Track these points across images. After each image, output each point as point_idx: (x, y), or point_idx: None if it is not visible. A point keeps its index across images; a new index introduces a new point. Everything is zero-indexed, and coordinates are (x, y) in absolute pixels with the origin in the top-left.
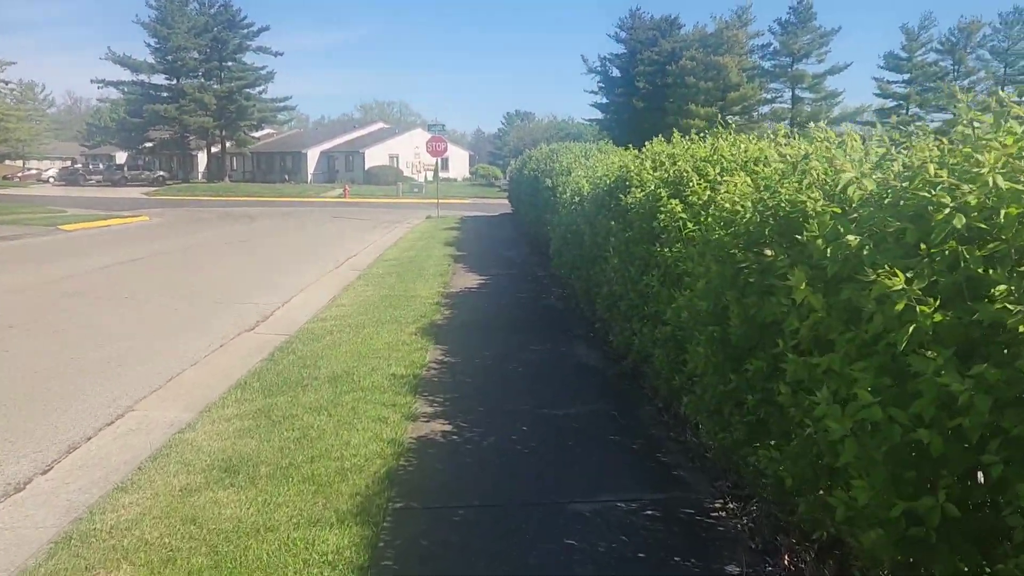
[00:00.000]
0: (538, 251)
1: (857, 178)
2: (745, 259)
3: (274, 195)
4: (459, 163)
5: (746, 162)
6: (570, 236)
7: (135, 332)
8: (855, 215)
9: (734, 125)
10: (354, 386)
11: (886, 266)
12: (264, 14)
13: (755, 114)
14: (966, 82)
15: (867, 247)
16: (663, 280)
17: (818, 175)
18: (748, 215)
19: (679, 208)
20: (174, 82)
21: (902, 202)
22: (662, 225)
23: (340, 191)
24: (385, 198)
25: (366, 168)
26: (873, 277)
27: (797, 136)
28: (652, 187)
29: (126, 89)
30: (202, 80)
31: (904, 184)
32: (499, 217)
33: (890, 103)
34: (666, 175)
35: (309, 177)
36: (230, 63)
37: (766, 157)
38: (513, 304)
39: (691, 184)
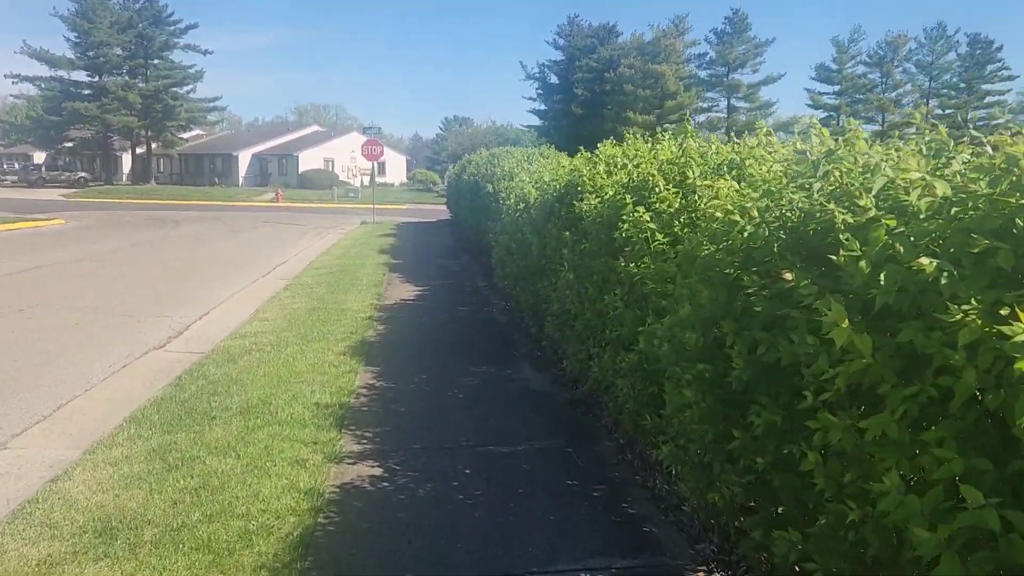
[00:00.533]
0: (479, 260)
1: (924, 179)
2: (750, 282)
3: (202, 198)
4: (397, 168)
5: (720, 164)
6: (515, 246)
7: (27, 350)
8: (920, 228)
9: (671, 133)
10: (270, 418)
11: (973, 300)
12: (194, 12)
13: (690, 123)
14: (893, 95)
15: (947, 274)
16: (627, 300)
17: (840, 177)
18: (750, 228)
19: (646, 217)
20: (96, 79)
21: (979, 212)
22: (625, 236)
23: (272, 195)
24: (319, 203)
25: (300, 172)
26: (959, 316)
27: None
28: (611, 193)
29: (43, 85)
30: (126, 78)
31: (988, 189)
32: (437, 223)
33: (821, 114)
34: (628, 179)
35: (240, 180)
36: (156, 61)
37: (751, 158)
38: (452, 318)
39: (657, 190)
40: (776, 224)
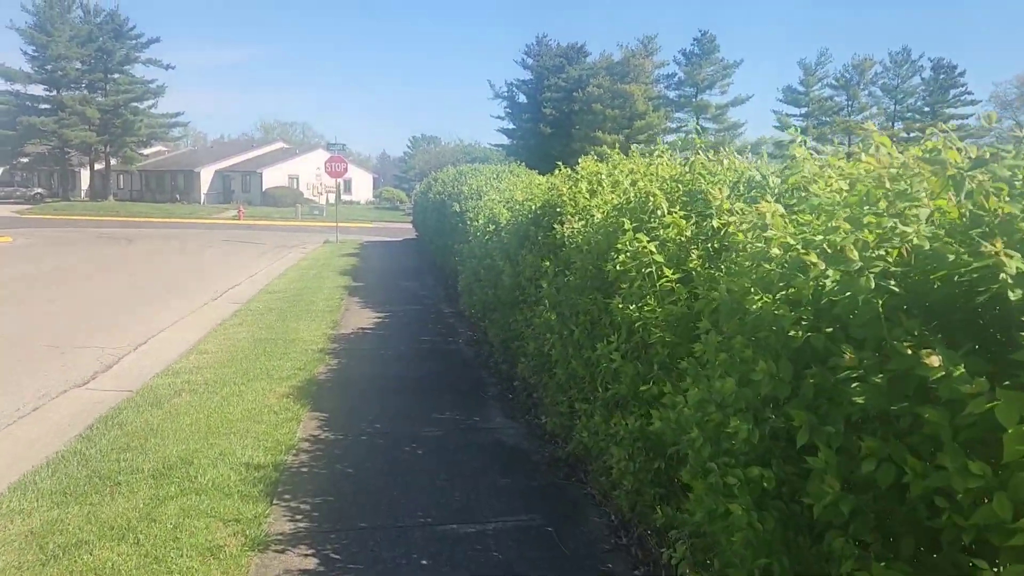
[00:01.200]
0: (445, 283)
1: None
2: (831, 352)
3: (162, 215)
4: (363, 186)
5: (737, 182)
6: (483, 272)
7: None
8: None
9: (639, 152)
10: (187, 485)
11: None
12: (159, 27)
13: (661, 143)
14: (860, 117)
15: None
16: (626, 350)
17: (995, 203)
18: (836, 274)
19: (651, 247)
20: (54, 93)
21: None
22: (621, 269)
23: (235, 212)
24: (283, 221)
25: (264, 189)
26: None
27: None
28: (599, 216)
29: None
30: (85, 92)
31: None
32: (403, 243)
33: (788, 137)
34: (624, 200)
35: (202, 197)
36: (117, 75)
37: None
38: (414, 352)
39: (659, 213)
40: (879, 269)
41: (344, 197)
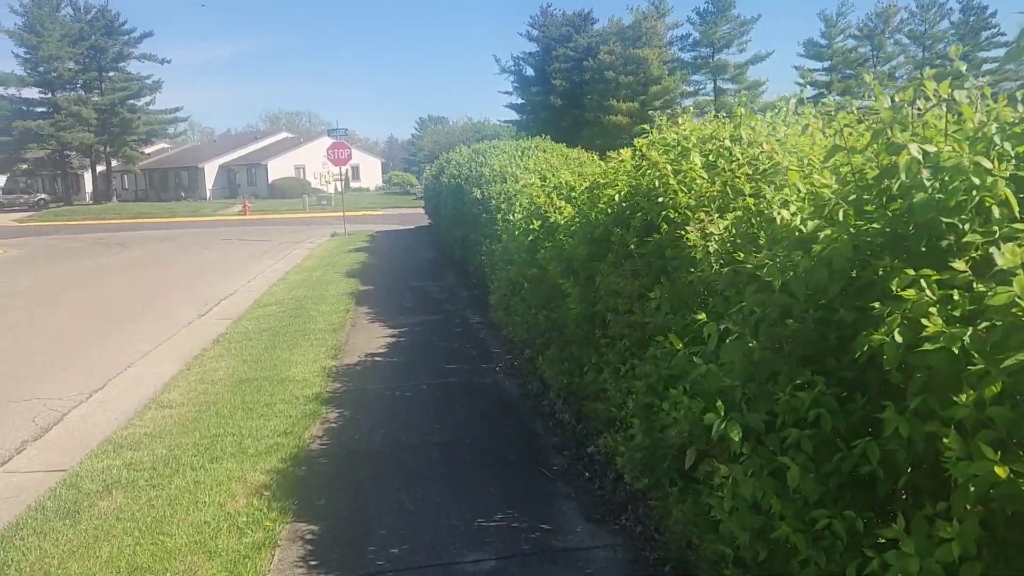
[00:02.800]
0: (468, 282)
1: None
2: None
3: (165, 215)
4: (371, 171)
5: None
6: (529, 286)
7: None
8: None
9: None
10: None
11: None
12: (156, 24)
13: (677, 107)
14: (886, 67)
15: None
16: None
17: None
18: None
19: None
20: (48, 95)
21: None
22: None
23: (240, 207)
24: (290, 213)
25: (270, 181)
26: None
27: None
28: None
29: None
30: (80, 92)
31: None
32: (415, 231)
33: (811, 92)
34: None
35: (208, 193)
36: (112, 73)
37: None
38: (440, 391)
39: None
40: None
41: (352, 184)
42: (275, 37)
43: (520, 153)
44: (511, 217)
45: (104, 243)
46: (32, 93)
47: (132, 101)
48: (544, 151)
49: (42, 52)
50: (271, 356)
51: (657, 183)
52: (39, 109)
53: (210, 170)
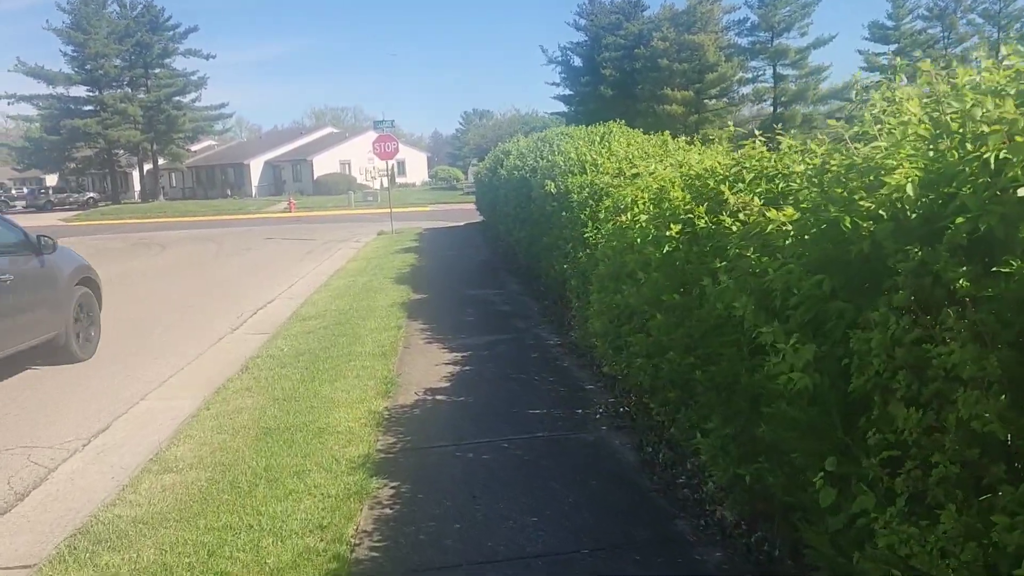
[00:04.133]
0: (534, 290)
1: None
2: None
3: (210, 213)
4: (417, 166)
5: None
6: (667, 318)
7: None
8: None
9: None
10: None
11: None
12: (204, 23)
13: (735, 95)
14: (958, 50)
15: None
16: None
17: None
18: None
19: None
20: (95, 93)
21: None
22: None
23: (285, 205)
24: (335, 209)
25: (315, 177)
26: None
27: None
28: None
29: (41, 104)
30: (127, 90)
31: None
32: (466, 229)
33: (876, 76)
34: None
35: (254, 190)
36: (157, 70)
37: None
38: (529, 457)
39: None
40: None
41: (398, 180)
42: (321, 34)
43: (599, 138)
44: (635, 225)
45: (145, 243)
46: (79, 91)
47: (178, 98)
48: (624, 134)
49: (89, 49)
50: (307, 392)
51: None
52: (86, 107)
53: (256, 167)
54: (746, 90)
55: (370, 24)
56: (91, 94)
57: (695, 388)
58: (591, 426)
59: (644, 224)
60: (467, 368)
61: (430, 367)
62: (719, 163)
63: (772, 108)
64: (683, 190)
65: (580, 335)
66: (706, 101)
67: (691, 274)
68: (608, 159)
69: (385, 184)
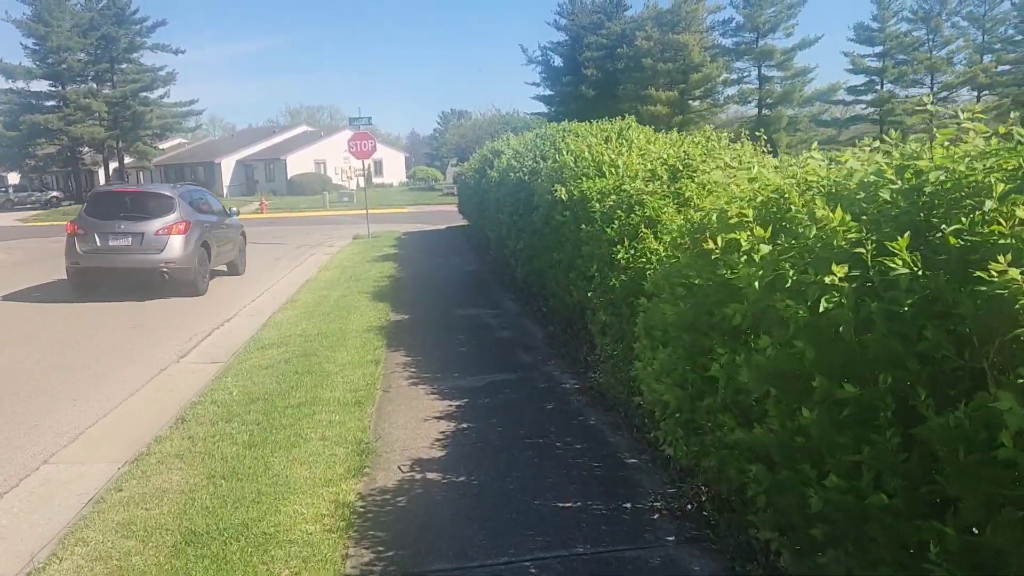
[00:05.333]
0: (535, 311)
1: None
2: None
3: None
4: (395, 166)
5: None
6: (780, 394)
7: None
8: None
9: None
10: None
11: None
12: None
13: (720, 96)
14: (943, 52)
15: None
16: None
17: None
18: None
19: None
20: (58, 88)
21: None
22: None
23: (257, 205)
24: (309, 211)
25: (289, 177)
26: None
27: None
28: None
29: (1, 99)
30: (91, 85)
31: None
32: (448, 233)
33: (863, 79)
34: None
35: (224, 190)
36: (124, 65)
37: None
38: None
39: None
40: None
41: (375, 180)
42: (298, 33)
43: (616, 135)
44: (708, 243)
45: None
46: (41, 86)
47: (145, 94)
48: (643, 133)
49: (51, 43)
50: (255, 464)
51: None
52: (48, 103)
53: (227, 166)
54: (731, 91)
55: (348, 22)
56: (53, 89)
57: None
58: (651, 534)
59: (766, 257)
60: (465, 426)
61: (417, 423)
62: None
63: (757, 110)
64: (839, 209)
65: (608, 381)
66: (691, 102)
67: (878, 351)
68: (637, 159)
69: (362, 184)
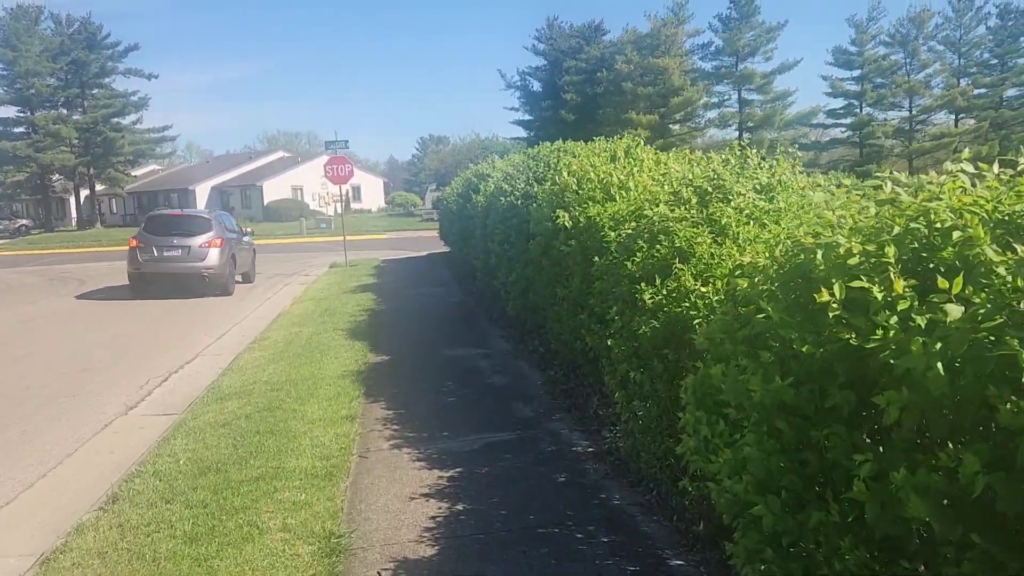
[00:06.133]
0: (529, 348)
1: None
2: None
3: None
4: (373, 192)
5: None
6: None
7: None
8: None
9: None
10: None
11: None
12: (156, 48)
13: (700, 120)
14: (920, 75)
15: None
16: None
17: None
18: None
19: None
20: (27, 114)
21: None
22: None
23: None
24: (286, 238)
25: (265, 203)
26: None
27: None
28: None
29: None
30: (61, 111)
31: None
32: (429, 260)
33: (842, 103)
34: None
35: None
36: (95, 90)
37: None
38: None
39: None
40: None
41: (354, 205)
42: (276, 60)
43: (623, 154)
44: (823, 295)
45: (64, 278)
46: (9, 112)
47: (117, 119)
48: (648, 152)
49: (19, 67)
50: (193, 573)
51: None
52: (16, 129)
53: (202, 192)
54: (712, 114)
55: (326, 51)
56: (22, 115)
57: None
58: None
59: (959, 325)
60: (461, 508)
61: (401, 502)
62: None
63: (737, 134)
64: None
65: (631, 447)
66: (671, 126)
67: None
68: (649, 180)
69: (340, 210)
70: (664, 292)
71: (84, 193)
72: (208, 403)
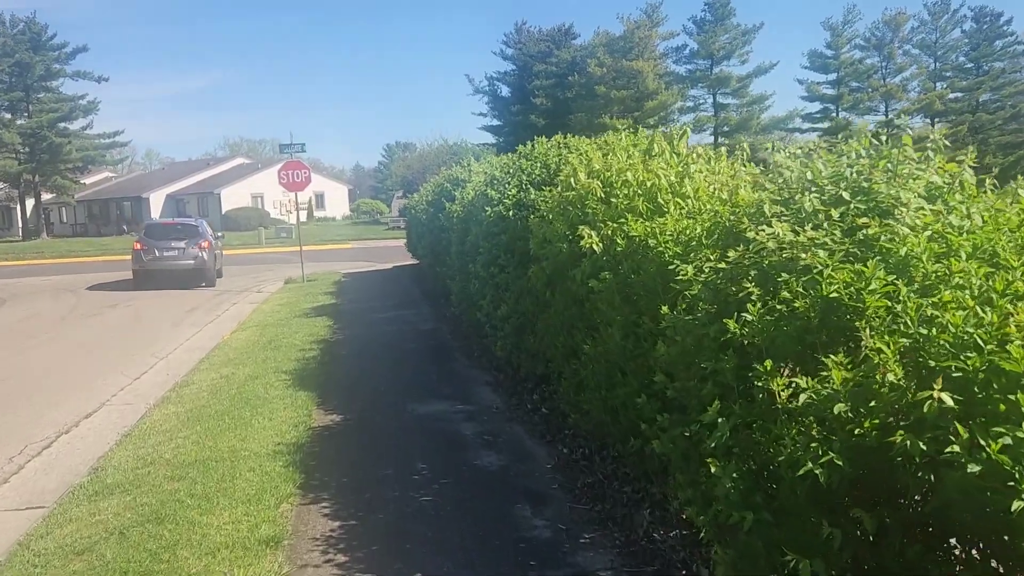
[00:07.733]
0: (526, 403)
1: None
2: None
3: (97, 253)
4: (338, 199)
5: None
6: None
7: None
8: None
9: None
10: None
11: None
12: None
13: (676, 124)
14: (897, 79)
15: None
16: None
17: None
18: None
19: None
20: None
21: None
22: None
23: None
24: (244, 248)
25: (224, 212)
26: None
27: None
28: None
29: None
30: (3, 115)
31: None
32: (396, 273)
33: (818, 107)
34: None
35: None
36: (41, 93)
37: None
38: None
39: None
40: None
41: (317, 213)
42: (240, 68)
43: (645, 152)
44: None
45: None
46: None
47: (64, 124)
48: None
49: None
50: None
51: None
52: None
53: (156, 200)
54: (687, 118)
55: (290, 57)
56: None
57: None
58: None
59: None
60: None
61: None
62: None
63: (713, 138)
64: None
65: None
66: (645, 130)
67: None
68: (744, 189)
69: (304, 217)
70: (840, 381)
71: (30, 202)
72: (78, 500)
